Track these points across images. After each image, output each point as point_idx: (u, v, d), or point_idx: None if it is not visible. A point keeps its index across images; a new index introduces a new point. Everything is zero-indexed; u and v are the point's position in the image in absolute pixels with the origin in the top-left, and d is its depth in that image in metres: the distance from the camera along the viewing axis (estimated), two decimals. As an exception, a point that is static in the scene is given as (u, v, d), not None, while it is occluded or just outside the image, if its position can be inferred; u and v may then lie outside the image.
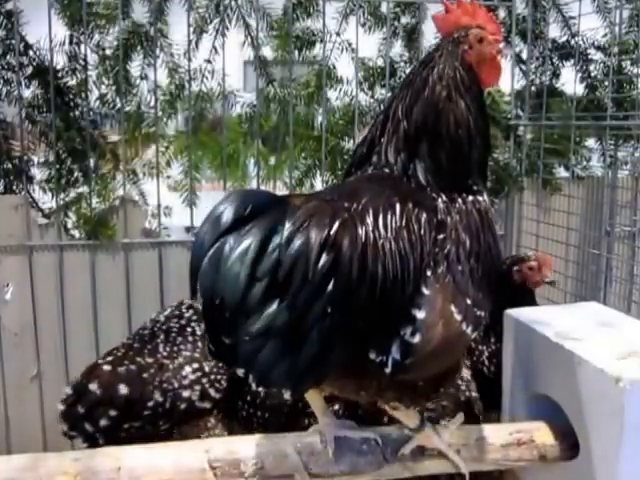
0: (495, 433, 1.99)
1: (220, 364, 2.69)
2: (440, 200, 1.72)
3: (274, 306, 1.42)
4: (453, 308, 1.60)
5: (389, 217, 1.58)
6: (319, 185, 3.55)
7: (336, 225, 1.47)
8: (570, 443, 2.01)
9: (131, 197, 3.44)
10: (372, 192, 1.65)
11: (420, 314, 1.54)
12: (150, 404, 2.50)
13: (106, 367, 2.48)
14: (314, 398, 1.90)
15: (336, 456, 1.88)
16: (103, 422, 2.43)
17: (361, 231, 1.51)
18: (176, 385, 2.58)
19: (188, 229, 3.45)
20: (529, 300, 2.87)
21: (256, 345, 1.43)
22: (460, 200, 1.74)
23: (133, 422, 2.49)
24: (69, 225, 3.42)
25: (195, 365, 2.66)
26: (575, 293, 3.64)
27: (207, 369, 2.69)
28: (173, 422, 2.54)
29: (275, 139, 3.56)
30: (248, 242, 1.40)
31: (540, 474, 2.16)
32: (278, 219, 1.44)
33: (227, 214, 1.43)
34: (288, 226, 1.43)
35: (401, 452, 1.89)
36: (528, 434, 2.01)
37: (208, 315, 1.45)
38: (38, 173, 3.45)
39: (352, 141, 3.62)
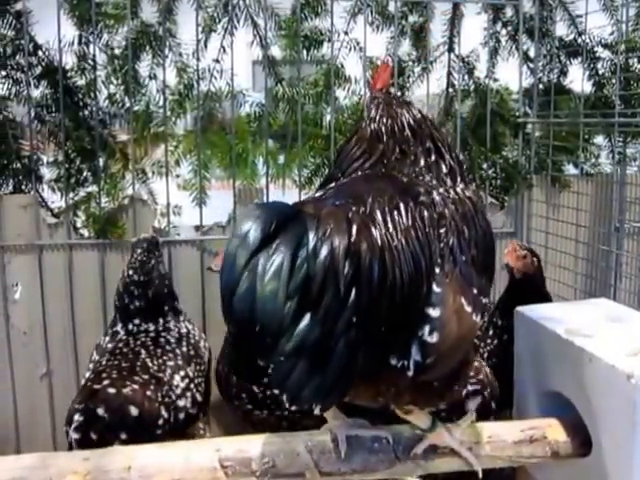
0: (507, 430, 1.99)
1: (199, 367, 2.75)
2: (435, 192, 1.74)
3: (305, 322, 1.40)
4: (463, 300, 1.61)
5: (397, 218, 1.59)
6: (328, 184, 3.55)
7: (354, 232, 1.47)
8: (582, 440, 2.00)
9: (140, 196, 3.44)
10: (374, 192, 1.66)
11: (435, 312, 1.54)
12: (160, 422, 2.48)
13: (111, 390, 2.42)
14: None
15: (347, 454, 1.88)
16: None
17: (376, 235, 1.51)
18: (174, 397, 2.58)
19: (197, 228, 3.45)
20: (539, 291, 2.90)
21: (289, 364, 1.41)
22: (452, 190, 1.79)
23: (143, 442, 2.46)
24: (78, 224, 3.44)
25: (182, 373, 2.67)
26: (585, 290, 3.64)
27: (191, 374, 2.71)
28: (175, 435, 2.47)
29: (284, 138, 3.56)
30: (279, 260, 1.38)
31: (552, 471, 2.16)
32: (301, 232, 1.42)
33: (254, 234, 1.40)
34: (312, 238, 1.41)
35: (414, 452, 1.89)
36: (540, 431, 2.01)
37: (244, 338, 1.43)
38: (47, 172, 3.46)
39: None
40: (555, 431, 2.02)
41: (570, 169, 3.89)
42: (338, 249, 1.42)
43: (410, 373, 1.53)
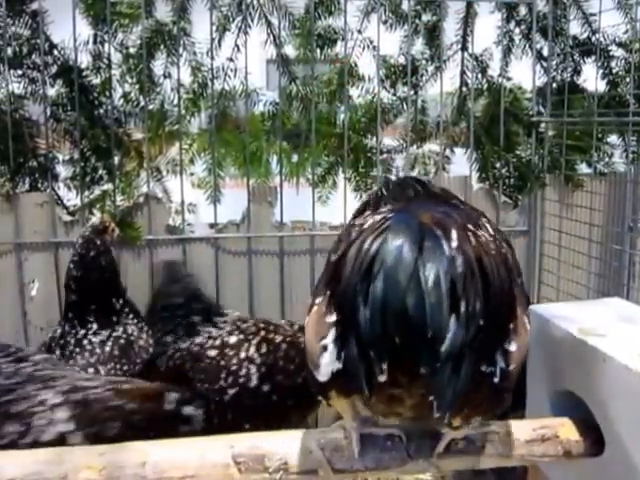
0: (519, 429, 1.99)
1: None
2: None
3: (454, 327, 1.43)
4: (525, 310, 1.68)
5: (481, 231, 1.63)
6: (341, 182, 3.56)
7: (471, 238, 1.52)
8: (595, 439, 2.00)
9: (155, 194, 3.47)
10: (451, 208, 1.71)
11: (513, 322, 1.57)
12: None
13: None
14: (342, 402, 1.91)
15: (360, 452, 1.89)
16: None
17: (483, 243, 1.56)
18: None
19: (212, 225, 3.47)
20: None
21: (444, 370, 1.44)
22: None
23: None
24: (94, 222, 3.46)
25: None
26: (598, 289, 3.63)
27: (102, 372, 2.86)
28: None
29: (297, 137, 3.57)
30: (434, 271, 1.41)
31: (565, 470, 2.16)
32: (439, 242, 1.46)
33: (408, 250, 1.44)
34: (447, 247, 1.45)
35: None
36: (552, 430, 2.00)
37: (408, 349, 1.45)
38: (63, 171, 3.49)
39: (374, 138, 3.63)
40: (567, 430, 2.02)
41: (583, 168, 3.88)
42: (471, 257, 1.47)
43: (496, 380, 1.55)
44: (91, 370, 2.83)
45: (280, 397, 2.93)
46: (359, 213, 2.03)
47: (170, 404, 2.73)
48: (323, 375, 1.63)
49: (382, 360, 1.44)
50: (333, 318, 1.65)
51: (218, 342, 2.99)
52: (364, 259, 1.46)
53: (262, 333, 3.02)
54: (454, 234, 1.49)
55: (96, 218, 3.14)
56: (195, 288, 3.15)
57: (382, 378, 1.45)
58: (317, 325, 1.70)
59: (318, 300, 1.78)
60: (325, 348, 1.63)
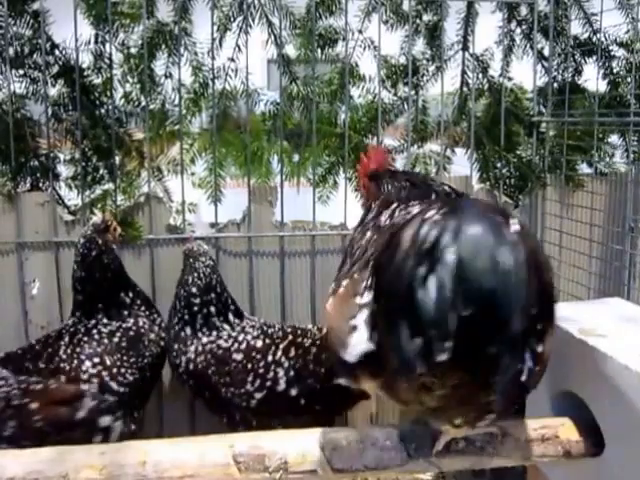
0: (519, 429, 1.99)
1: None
2: None
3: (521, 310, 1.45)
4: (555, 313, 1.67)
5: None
6: (342, 182, 3.57)
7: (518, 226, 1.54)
8: (595, 439, 2.00)
9: (156, 194, 3.47)
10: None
11: (540, 324, 1.57)
12: None
13: None
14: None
15: (360, 451, 1.90)
16: None
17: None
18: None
19: (212, 225, 3.48)
20: None
21: (508, 352, 1.47)
22: None
23: None
24: (95, 222, 3.46)
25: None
26: (599, 289, 3.63)
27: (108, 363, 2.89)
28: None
29: (298, 136, 3.58)
30: (514, 253, 1.42)
31: (564, 470, 2.16)
32: (502, 227, 1.47)
33: (486, 232, 1.43)
34: (508, 234, 1.46)
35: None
36: (553, 430, 2.01)
37: (481, 327, 1.45)
38: (64, 170, 3.50)
39: (375, 138, 3.63)
40: (568, 430, 2.02)
41: (584, 168, 3.88)
42: (532, 248, 1.49)
43: (524, 378, 1.56)
44: (97, 360, 2.84)
45: (308, 401, 2.90)
46: (372, 217, 2.12)
47: (83, 411, 2.73)
48: (352, 355, 1.64)
49: (446, 338, 1.43)
50: (365, 300, 1.67)
51: (244, 346, 2.98)
52: (427, 241, 1.43)
53: (290, 337, 3.00)
54: (517, 223, 1.49)
55: (97, 217, 3.15)
56: (211, 278, 3.10)
57: (442, 357, 1.43)
58: (345, 306, 1.72)
59: (344, 282, 1.83)
60: (355, 328, 1.65)
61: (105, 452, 1.89)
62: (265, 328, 3.06)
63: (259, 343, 2.98)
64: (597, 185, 3.74)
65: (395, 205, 2.08)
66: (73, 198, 3.47)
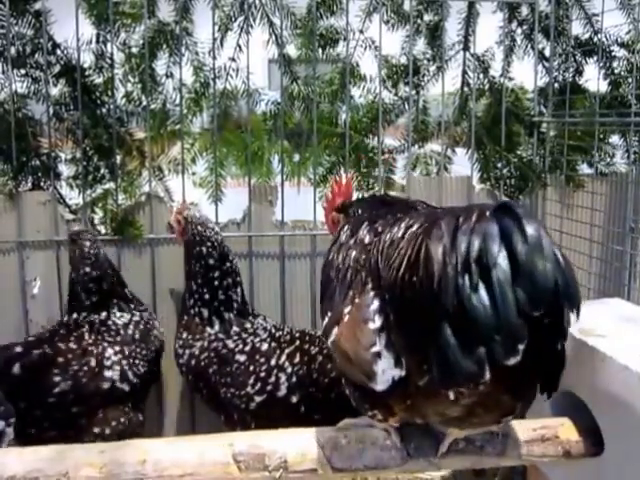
0: (519, 429, 2.00)
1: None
2: None
3: None
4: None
5: None
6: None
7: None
8: (595, 439, 2.01)
9: (157, 193, 3.47)
10: None
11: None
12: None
13: None
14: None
15: (359, 451, 1.90)
16: None
17: None
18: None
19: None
20: None
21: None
22: None
23: None
24: (96, 221, 3.48)
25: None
26: (599, 289, 3.64)
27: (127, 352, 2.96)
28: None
29: (299, 136, 3.58)
30: (561, 253, 1.47)
31: (564, 470, 2.17)
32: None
33: (537, 230, 1.45)
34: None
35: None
36: (552, 430, 2.01)
37: (550, 325, 1.48)
38: (65, 170, 3.50)
39: (376, 138, 3.64)
40: (567, 430, 2.03)
41: (585, 168, 3.88)
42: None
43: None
44: (117, 348, 2.91)
45: (308, 409, 2.87)
46: (347, 236, 2.04)
47: None
48: (382, 384, 1.63)
49: (519, 341, 1.43)
50: (378, 324, 1.66)
51: (249, 348, 2.97)
52: (474, 249, 1.44)
53: (297, 343, 2.98)
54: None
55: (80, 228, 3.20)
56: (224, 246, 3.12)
57: (513, 360, 1.44)
58: (357, 334, 1.69)
59: (347, 310, 1.78)
60: (378, 355, 1.63)
61: (105, 450, 1.90)
62: (274, 331, 3.05)
63: (264, 346, 2.96)
64: (597, 185, 3.74)
65: (370, 222, 2.02)
66: (74, 197, 3.48)
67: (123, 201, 3.44)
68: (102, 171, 3.46)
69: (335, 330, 1.79)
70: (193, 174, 3.63)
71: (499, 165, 3.70)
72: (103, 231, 3.43)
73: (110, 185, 3.45)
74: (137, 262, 3.42)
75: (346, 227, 2.11)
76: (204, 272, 3.04)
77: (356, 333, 1.69)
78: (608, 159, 3.88)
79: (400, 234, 1.70)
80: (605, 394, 1.97)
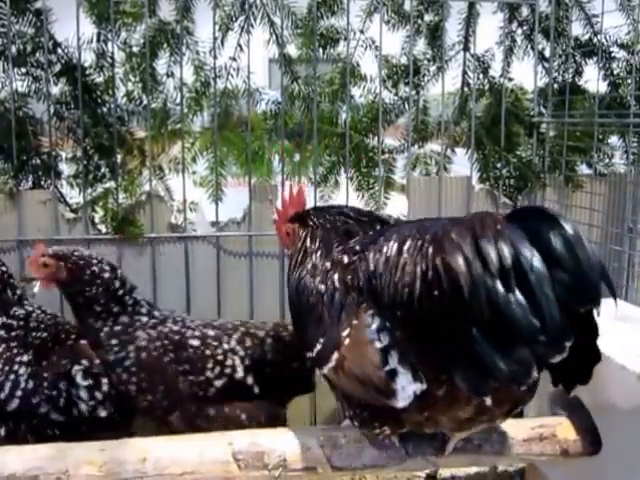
0: (517, 428, 2.01)
1: None
2: None
3: None
4: None
5: None
6: (343, 182, 3.57)
7: None
8: (592, 439, 2.02)
9: (157, 192, 3.47)
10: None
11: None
12: None
13: None
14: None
15: (358, 450, 1.91)
16: None
17: None
18: None
19: (213, 224, 3.48)
20: None
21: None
22: None
23: None
24: (96, 220, 3.47)
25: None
26: (597, 290, 3.63)
27: None
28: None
29: (299, 136, 3.59)
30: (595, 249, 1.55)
31: (562, 469, 2.17)
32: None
33: (574, 231, 1.49)
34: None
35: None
36: (550, 429, 2.02)
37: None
38: (66, 169, 3.50)
39: (376, 138, 3.64)
40: (565, 430, 2.04)
41: (584, 169, 3.89)
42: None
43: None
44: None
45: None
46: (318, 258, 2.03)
47: None
48: (403, 400, 1.63)
49: (566, 338, 1.45)
50: (386, 342, 1.66)
51: (198, 332, 2.70)
52: (506, 255, 1.45)
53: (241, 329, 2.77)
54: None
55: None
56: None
57: (558, 358, 1.47)
58: (364, 356, 1.69)
59: (345, 333, 1.76)
60: (394, 373, 1.63)
61: (105, 449, 1.90)
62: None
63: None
64: (596, 186, 3.75)
65: (341, 241, 2.02)
66: (75, 196, 3.48)
67: (123, 200, 3.43)
68: (103, 170, 3.46)
69: (335, 355, 1.77)
70: (193, 173, 3.63)
71: (499, 165, 3.70)
72: (104, 230, 3.44)
73: (110, 184, 3.45)
74: (137, 261, 3.42)
75: (309, 240, 2.09)
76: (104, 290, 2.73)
77: (364, 355, 1.69)
78: (607, 160, 3.90)
79: (394, 251, 1.69)
80: (602, 394, 1.98)
